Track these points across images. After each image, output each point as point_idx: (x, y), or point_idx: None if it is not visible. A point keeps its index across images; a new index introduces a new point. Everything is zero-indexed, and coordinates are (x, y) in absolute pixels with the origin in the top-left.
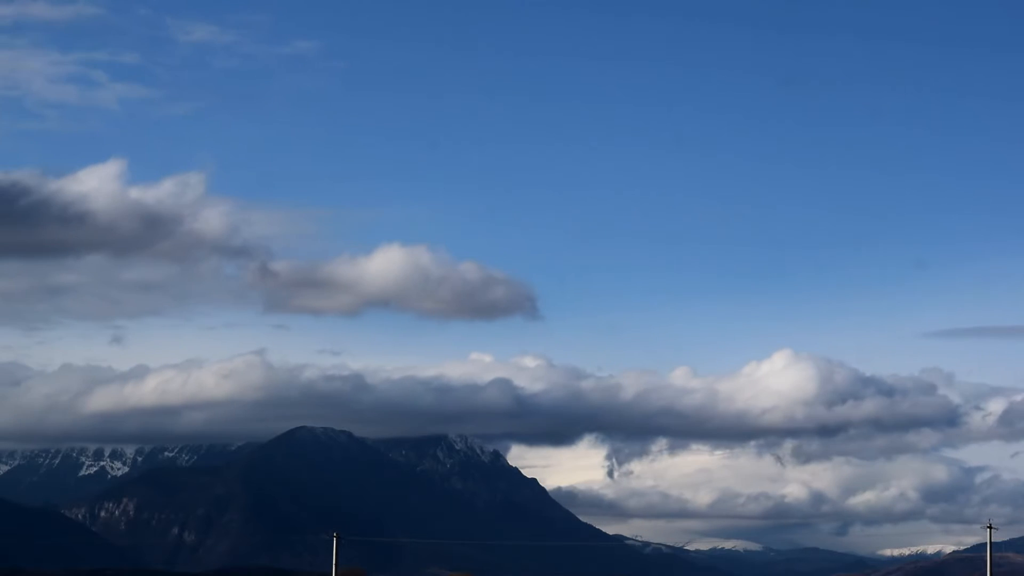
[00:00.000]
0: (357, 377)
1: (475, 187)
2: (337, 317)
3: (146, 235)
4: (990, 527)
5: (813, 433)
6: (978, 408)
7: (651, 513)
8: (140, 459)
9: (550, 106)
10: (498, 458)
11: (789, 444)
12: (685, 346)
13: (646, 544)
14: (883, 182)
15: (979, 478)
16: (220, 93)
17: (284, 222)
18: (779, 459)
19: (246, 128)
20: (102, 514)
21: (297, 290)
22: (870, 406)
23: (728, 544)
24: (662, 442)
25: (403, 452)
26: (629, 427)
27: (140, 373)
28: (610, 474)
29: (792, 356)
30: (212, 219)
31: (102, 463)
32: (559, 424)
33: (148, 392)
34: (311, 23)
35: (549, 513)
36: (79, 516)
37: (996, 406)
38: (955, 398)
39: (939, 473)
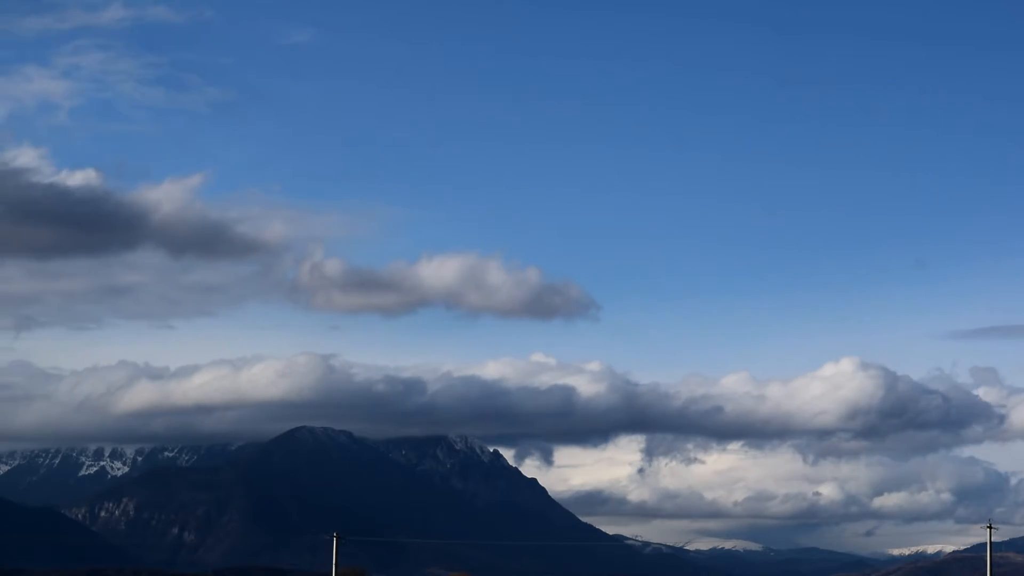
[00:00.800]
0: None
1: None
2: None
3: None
4: (990, 527)
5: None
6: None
7: (679, 514)
8: (140, 459)
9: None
10: (498, 458)
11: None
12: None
13: (646, 544)
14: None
15: (1014, 480)
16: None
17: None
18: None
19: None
20: (102, 514)
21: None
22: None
23: (728, 544)
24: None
25: (403, 452)
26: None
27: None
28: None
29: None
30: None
31: (102, 463)
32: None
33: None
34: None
35: (549, 513)
36: (79, 516)
37: None
38: (991, 398)
39: (975, 475)
